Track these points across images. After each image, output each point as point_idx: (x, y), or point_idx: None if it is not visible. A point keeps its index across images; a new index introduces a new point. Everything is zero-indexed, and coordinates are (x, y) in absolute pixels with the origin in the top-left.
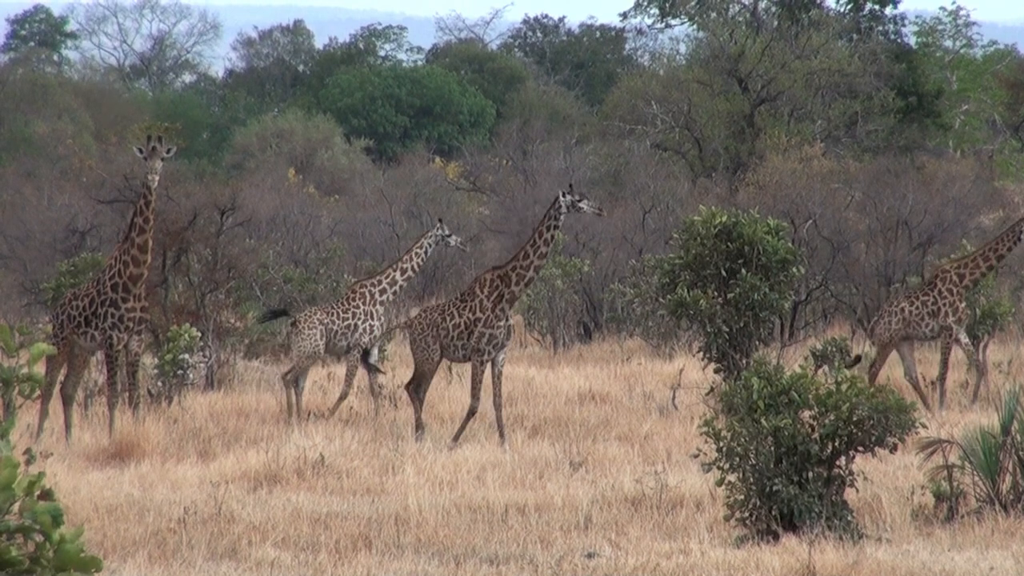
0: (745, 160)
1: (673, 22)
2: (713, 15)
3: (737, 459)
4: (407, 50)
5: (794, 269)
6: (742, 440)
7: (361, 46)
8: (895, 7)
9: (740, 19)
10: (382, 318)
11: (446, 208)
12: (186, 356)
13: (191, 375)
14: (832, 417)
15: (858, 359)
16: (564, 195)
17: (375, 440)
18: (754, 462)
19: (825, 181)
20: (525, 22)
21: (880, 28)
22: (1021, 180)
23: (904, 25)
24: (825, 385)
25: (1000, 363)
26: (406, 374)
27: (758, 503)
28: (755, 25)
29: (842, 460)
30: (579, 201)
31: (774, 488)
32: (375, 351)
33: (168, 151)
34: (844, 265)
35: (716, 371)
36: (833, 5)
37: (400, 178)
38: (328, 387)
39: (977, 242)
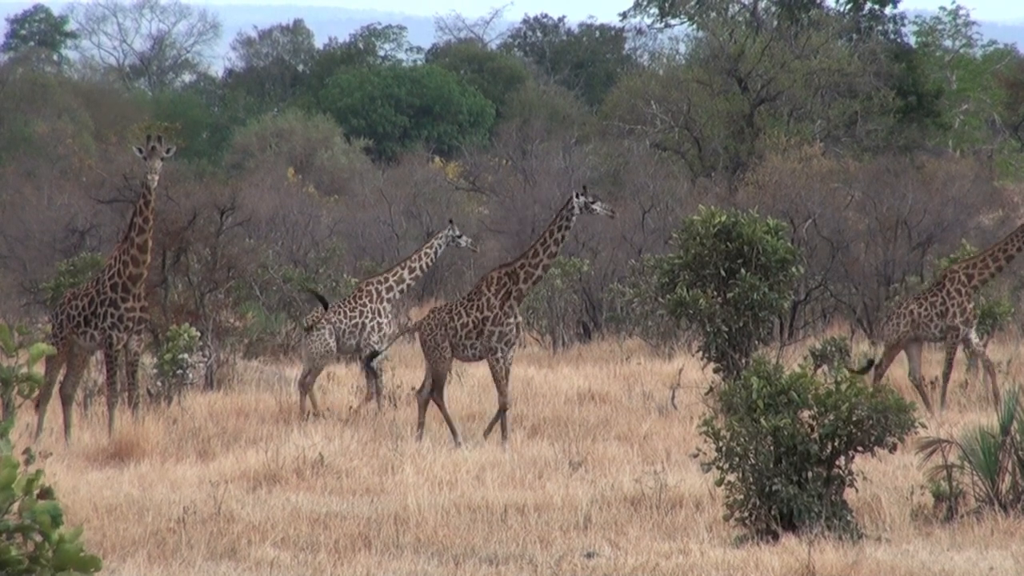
0: (745, 160)
1: (673, 22)
2: (713, 15)
3: (736, 459)
4: (407, 50)
5: (793, 269)
6: (741, 440)
7: (361, 46)
8: (895, 7)
9: (740, 19)
10: (390, 316)
11: (446, 208)
12: (185, 356)
13: (190, 375)
14: (832, 417)
15: (871, 363)
16: (578, 196)
17: (375, 440)
18: (753, 462)
19: (825, 181)
20: (525, 22)
21: (880, 28)
22: (1021, 180)
23: (904, 25)
24: (824, 385)
25: (1000, 363)
26: (405, 374)
27: (758, 503)
28: (755, 25)
29: (842, 460)
30: (592, 203)
31: (774, 488)
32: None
33: (168, 151)
34: (843, 265)
35: (715, 371)
36: (833, 5)
37: (400, 178)
38: (328, 387)
39: (977, 242)
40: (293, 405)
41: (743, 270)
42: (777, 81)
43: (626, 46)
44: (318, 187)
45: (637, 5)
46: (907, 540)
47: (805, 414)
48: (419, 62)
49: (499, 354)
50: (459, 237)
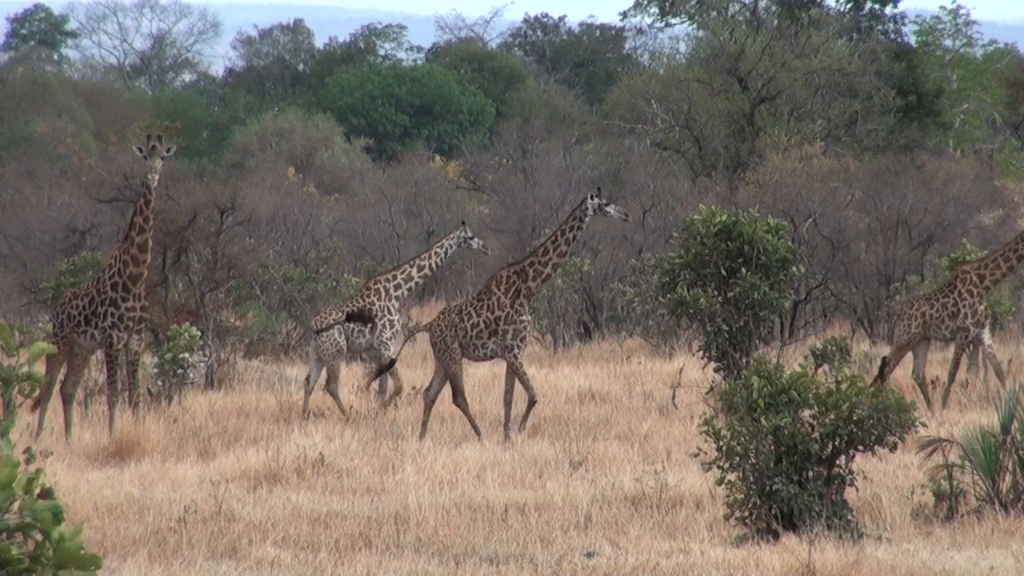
0: (745, 159)
1: (673, 21)
2: (713, 14)
3: (737, 458)
4: (407, 49)
5: (794, 268)
6: (742, 439)
7: (361, 45)
8: (895, 6)
9: (740, 18)
10: (398, 313)
11: (446, 207)
12: (186, 355)
13: (191, 374)
14: (832, 416)
15: (884, 361)
16: (592, 197)
17: (375, 439)
18: (754, 461)
19: (825, 180)
20: (525, 21)
21: (880, 27)
22: (1021, 179)
23: (904, 24)
24: (825, 384)
25: (1000, 362)
26: (405, 374)
27: (758, 502)
28: (755, 24)
29: (842, 459)
30: (606, 205)
31: (774, 487)
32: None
33: (168, 150)
34: (844, 264)
35: (716, 370)
36: (833, 4)
37: (400, 177)
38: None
39: (977, 241)
40: (294, 405)
41: (744, 269)
42: (777, 80)
43: (626, 45)
44: (318, 186)
45: (637, 4)
46: (908, 539)
47: (806, 413)
48: (419, 61)
49: (516, 351)
50: (471, 239)
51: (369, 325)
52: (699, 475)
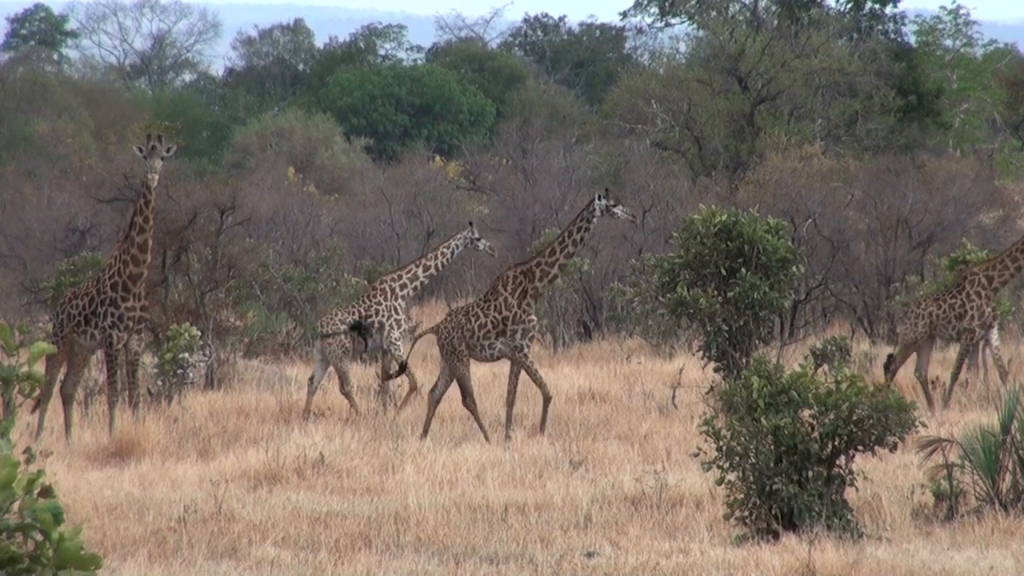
0: (745, 159)
1: (673, 21)
2: (713, 14)
3: (737, 458)
4: (407, 49)
5: (794, 268)
6: (742, 439)
7: (361, 45)
8: (895, 6)
9: (740, 18)
10: (404, 312)
11: (446, 207)
12: (186, 355)
13: (191, 374)
14: (832, 416)
15: (891, 357)
16: (600, 199)
17: (375, 439)
18: (754, 461)
19: (825, 180)
20: (525, 21)
21: (880, 27)
22: (1021, 179)
23: (904, 24)
24: (825, 384)
25: (1004, 364)
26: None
27: (758, 502)
28: (755, 24)
29: (842, 459)
30: (614, 206)
31: (774, 487)
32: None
33: (168, 150)
34: (844, 264)
35: (716, 370)
36: (833, 4)
37: (400, 177)
38: (328, 387)
39: (977, 241)
40: (294, 404)
41: (743, 269)
42: (777, 80)
43: (626, 45)
44: (318, 186)
45: (637, 4)
46: (907, 539)
47: (805, 413)
48: (419, 61)
49: (525, 350)
50: (478, 240)
51: (368, 338)
52: (699, 475)
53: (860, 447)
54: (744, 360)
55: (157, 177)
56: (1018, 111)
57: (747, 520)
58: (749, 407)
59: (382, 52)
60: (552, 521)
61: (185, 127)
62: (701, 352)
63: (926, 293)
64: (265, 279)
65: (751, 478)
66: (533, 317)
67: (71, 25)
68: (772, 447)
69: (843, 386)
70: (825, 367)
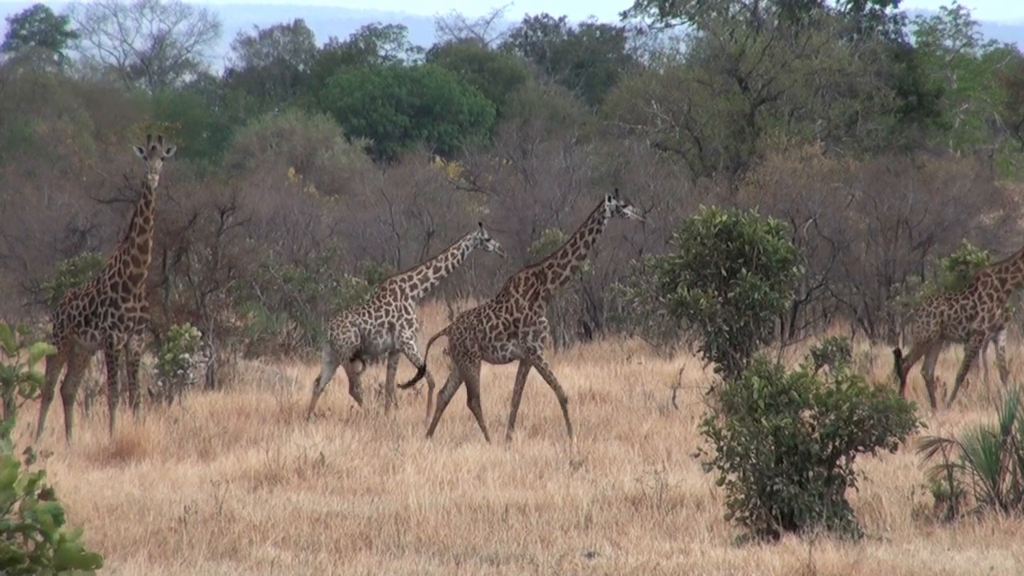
0: (745, 159)
1: (673, 21)
2: (713, 14)
3: (737, 459)
4: (407, 50)
5: (794, 268)
6: (742, 440)
7: (361, 45)
8: (895, 6)
9: (740, 18)
10: (415, 313)
11: (446, 208)
12: (186, 356)
13: (191, 375)
14: (832, 417)
15: (898, 355)
16: (609, 199)
17: (375, 439)
18: (754, 461)
19: (825, 180)
20: (525, 21)
21: (880, 27)
22: (1021, 179)
23: (904, 24)
24: (825, 385)
25: (996, 362)
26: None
27: (758, 503)
28: (755, 24)
29: (842, 460)
30: (624, 207)
31: (774, 487)
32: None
33: (168, 151)
34: (844, 264)
35: (716, 370)
36: (833, 4)
37: (400, 178)
38: (329, 387)
39: (978, 242)
40: (294, 405)
41: (744, 270)
42: (778, 81)
43: (626, 46)
44: (319, 187)
45: (638, 5)
46: (908, 540)
47: (806, 414)
48: (420, 62)
49: (539, 351)
50: (487, 240)
51: (364, 363)
52: (699, 475)
53: (860, 447)
54: (744, 360)
55: (157, 178)
56: (1018, 111)
57: (748, 520)
58: (750, 407)
59: (382, 53)
60: (553, 521)
61: (185, 128)
62: (701, 352)
63: (935, 292)
64: (265, 279)
65: (752, 478)
66: (544, 319)
67: (71, 26)
68: (773, 447)
69: (843, 386)
70: (825, 367)
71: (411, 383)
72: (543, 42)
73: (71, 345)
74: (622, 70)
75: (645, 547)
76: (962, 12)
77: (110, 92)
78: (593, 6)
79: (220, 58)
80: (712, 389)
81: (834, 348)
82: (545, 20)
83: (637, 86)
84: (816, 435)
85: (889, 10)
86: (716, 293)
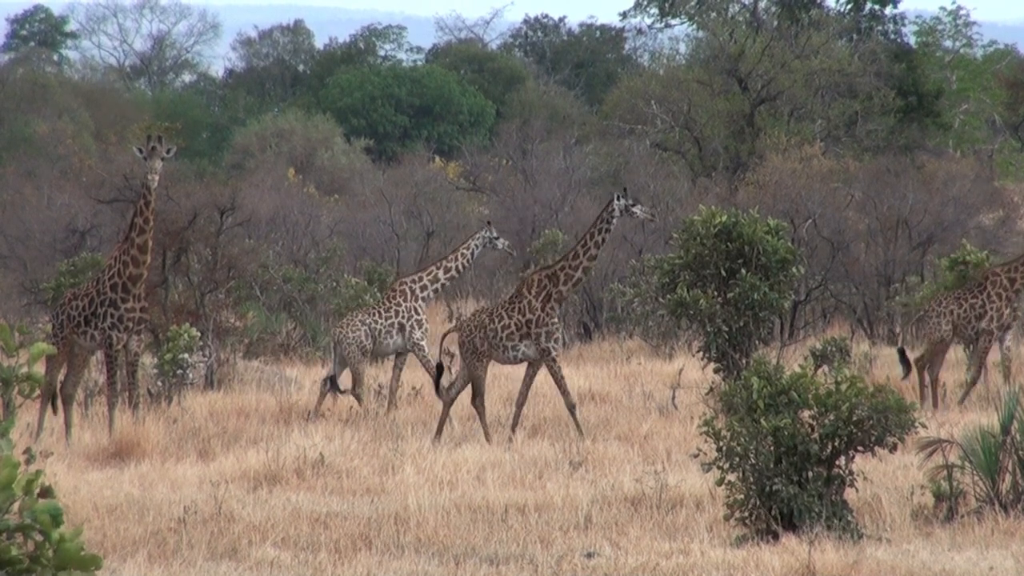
0: (745, 160)
1: (673, 22)
2: (713, 15)
3: (737, 459)
4: (407, 50)
5: (794, 269)
6: (742, 440)
7: (361, 46)
8: (895, 7)
9: (740, 19)
10: (425, 314)
11: (446, 208)
12: (186, 356)
13: (191, 375)
14: (832, 417)
15: (903, 352)
16: (618, 198)
17: (375, 440)
18: (754, 462)
19: (825, 181)
20: (525, 22)
21: (880, 28)
22: (1021, 180)
23: (904, 25)
24: (825, 385)
25: (999, 363)
26: (404, 374)
27: (758, 503)
28: (755, 25)
29: (842, 460)
30: (632, 206)
31: (774, 488)
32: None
33: (168, 151)
34: (844, 265)
35: (716, 371)
36: (833, 5)
37: (400, 178)
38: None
39: (977, 242)
40: (294, 405)
41: (743, 270)
42: (777, 81)
43: (626, 46)
44: (318, 187)
45: (637, 5)
46: (907, 540)
47: (805, 414)
48: (419, 62)
49: (553, 353)
50: (496, 239)
51: (337, 391)
52: (699, 476)
53: (860, 448)
54: (744, 361)
55: (157, 178)
56: (1018, 112)
57: (747, 521)
58: (749, 408)
59: (382, 53)
60: (552, 522)
61: (185, 128)
62: (701, 353)
63: (944, 292)
64: (265, 280)
65: (751, 479)
66: (557, 320)
67: (71, 26)
68: (772, 448)
69: (843, 387)
70: (825, 368)
71: (438, 385)
72: (543, 42)
73: (71, 345)
74: (622, 70)
75: (645, 547)
76: (962, 12)
77: (110, 92)
78: (593, 6)
79: (220, 58)
80: (711, 389)
81: (833, 348)
82: (545, 20)
83: (637, 86)
84: (815, 435)
85: (889, 10)
86: (716, 293)
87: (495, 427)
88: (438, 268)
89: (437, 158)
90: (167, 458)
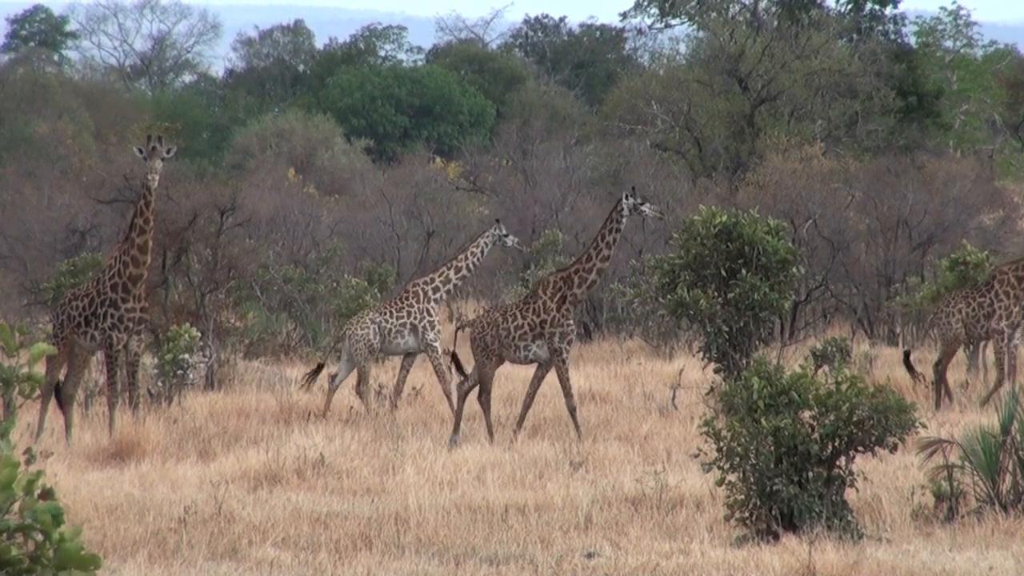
0: (745, 160)
1: (673, 22)
2: (713, 15)
3: (737, 459)
4: (407, 50)
5: (794, 269)
6: (742, 440)
7: (361, 46)
8: (895, 7)
9: (740, 19)
10: (438, 315)
11: (446, 208)
12: (186, 356)
13: (191, 375)
14: (832, 417)
15: (907, 354)
16: (627, 198)
17: (375, 440)
18: (754, 462)
19: (825, 181)
20: (525, 22)
21: (880, 28)
22: (1021, 180)
23: (904, 25)
24: (825, 385)
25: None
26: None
27: (758, 503)
28: (755, 25)
29: (842, 460)
30: (641, 204)
31: (774, 488)
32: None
33: (168, 151)
34: (844, 265)
35: (716, 371)
36: (833, 5)
37: (400, 178)
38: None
39: (977, 242)
40: (294, 405)
41: (744, 270)
42: (777, 81)
43: (626, 46)
44: (318, 187)
45: (637, 5)
46: (908, 540)
47: (806, 414)
48: (420, 62)
49: (563, 355)
50: (505, 236)
51: (314, 379)
52: (699, 476)
53: (860, 448)
54: (744, 361)
55: (157, 178)
56: (1018, 112)
57: (747, 521)
58: (749, 408)
59: (382, 53)
60: (552, 522)
61: (185, 128)
62: (701, 353)
63: (950, 292)
64: (265, 280)
65: (751, 479)
66: (571, 322)
67: (71, 26)
68: (772, 448)
69: (843, 387)
70: (825, 368)
71: (461, 369)
72: (543, 42)
73: (71, 345)
74: (622, 70)
75: (645, 547)
76: (962, 13)
77: (110, 92)
78: (593, 6)
79: (220, 58)
80: (712, 390)
81: (834, 349)
82: (545, 20)
83: (637, 86)
84: (816, 436)
85: (889, 10)
86: (716, 294)
87: (495, 426)
88: (449, 269)
89: (437, 158)
90: (167, 458)
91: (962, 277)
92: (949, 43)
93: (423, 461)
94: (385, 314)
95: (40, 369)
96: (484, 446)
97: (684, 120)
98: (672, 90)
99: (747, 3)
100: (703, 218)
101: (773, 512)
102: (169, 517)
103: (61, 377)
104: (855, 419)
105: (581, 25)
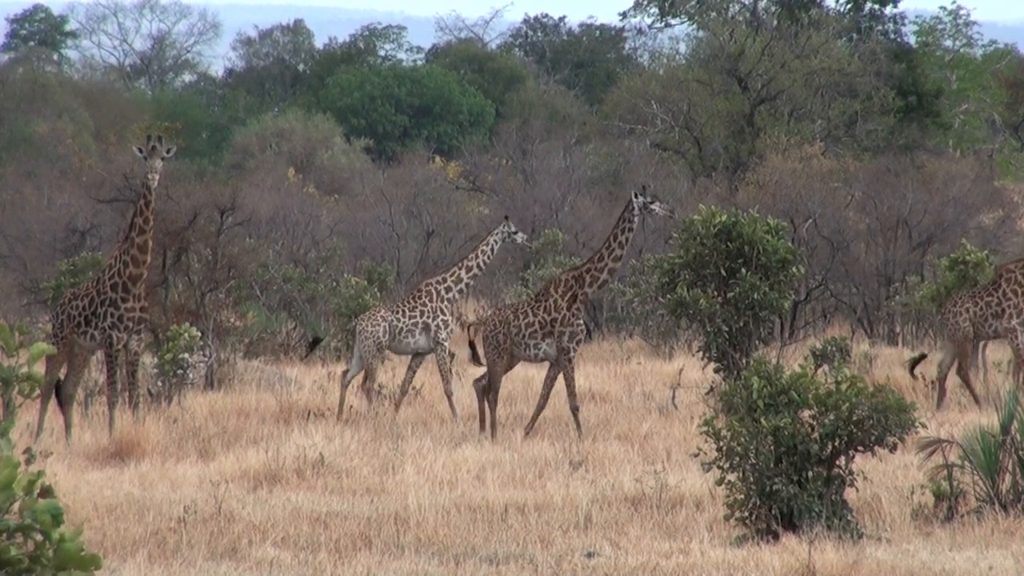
0: (745, 160)
1: (673, 21)
2: (713, 14)
3: (737, 459)
4: (407, 50)
5: (794, 269)
6: (742, 440)
7: (361, 46)
8: (895, 6)
9: (740, 18)
10: (450, 315)
11: (446, 208)
12: (186, 356)
13: (191, 375)
14: (832, 417)
15: (921, 357)
16: (637, 196)
17: (375, 440)
18: (754, 462)
19: (825, 180)
20: (525, 22)
21: (880, 27)
22: (1021, 179)
23: (904, 24)
24: (825, 385)
25: (1000, 363)
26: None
27: (758, 503)
28: (755, 24)
29: (842, 460)
30: (651, 203)
31: (774, 488)
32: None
33: (168, 151)
34: (844, 264)
35: (716, 371)
36: (833, 4)
37: (400, 178)
38: (328, 387)
39: (977, 242)
40: (294, 405)
41: (743, 270)
42: (777, 81)
43: (626, 46)
44: (318, 187)
45: (637, 5)
46: (907, 540)
47: (805, 414)
48: (419, 62)
49: (571, 354)
50: (514, 233)
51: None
52: (699, 475)
53: (860, 447)
54: (744, 361)
55: (157, 178)
56: (1018, 112)
57: (747, 520)
58: (749, 408)
59: (382, 53)
60: (552, 521)
61: (185, 128)
62: (701, 353)
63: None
64: (265, 279)
65: (751, 478)
66: (581, 322)
67: (71, 26)
68: (772, 448)
69: (843, 387)
70: (825, 368)
71: (476, 356)
72: (543, 42)
73: (71, 345)
74: (622, 70)
75: (645, 547)
76: (962, 12)
77: (110, 92)
78: (593, 6)
79: (220, 58)
80: (711, 389)
81: (833, 348)
82: (545, 20)
83: (637, 86)
84: (815, 435)
85: (889, 10)
86: (716, 293)
87: (495, 426)
88: (460, 268)
89: (437, 158)
90: (167, 458)
91: (962, 277)
92: (949, 43)
93: (423, 461)
94: (398, 312)
95: (40, 369)
96: (484, 446)
97: (684, 120)
98: (672, 90)
99: (747, 3)
100: (703, 218)
101: (773, 512)
102: (169, 517)
103: (61, 377)
104: (855, 419)
105: (581, 25)
